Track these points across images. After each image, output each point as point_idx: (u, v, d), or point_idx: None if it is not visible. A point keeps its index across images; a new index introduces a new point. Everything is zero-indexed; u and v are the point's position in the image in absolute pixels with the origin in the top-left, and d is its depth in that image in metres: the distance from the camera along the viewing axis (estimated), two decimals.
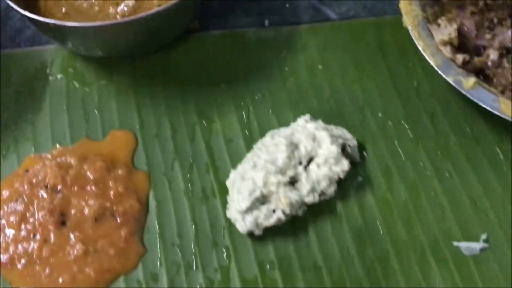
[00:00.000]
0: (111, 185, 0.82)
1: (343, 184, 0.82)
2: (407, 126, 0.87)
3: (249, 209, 0.77)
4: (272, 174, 0.78)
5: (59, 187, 0.81)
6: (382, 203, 0.81)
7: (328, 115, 0.88)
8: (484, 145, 0.85)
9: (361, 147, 0.85)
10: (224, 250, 0.78)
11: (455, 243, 0.77)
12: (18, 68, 0.96)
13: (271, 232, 0.79)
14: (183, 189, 0.83)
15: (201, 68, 0.95)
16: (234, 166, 0.84)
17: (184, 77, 0.95)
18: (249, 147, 0.85)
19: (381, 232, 0.79)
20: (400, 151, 0.85)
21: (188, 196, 0.82)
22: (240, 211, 0.77)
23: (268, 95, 0.91)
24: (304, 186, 0.79)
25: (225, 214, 0.80)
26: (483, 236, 0.78)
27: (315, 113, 0.87)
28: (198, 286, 0.76)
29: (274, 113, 0.89)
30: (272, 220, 0.76)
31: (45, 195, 0.80)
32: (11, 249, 0.77)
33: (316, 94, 0.91)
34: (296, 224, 0.80)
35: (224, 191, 0.82)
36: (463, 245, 0.77)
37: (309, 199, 0.78)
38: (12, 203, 0.80)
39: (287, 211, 0.77)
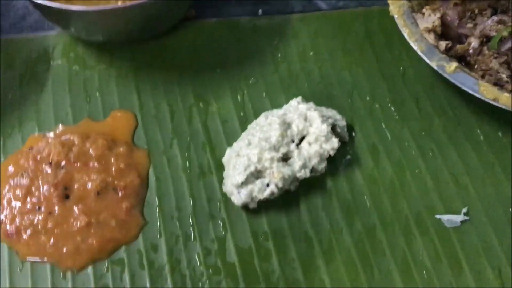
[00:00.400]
0: (112, 161, 0.86)
1: (333, 162, 0.87)
2: (393, 109, 0.92)
3: (244, 183, 0.81)
4: (266, 150, 0.82)
5: (62, 163, 0.85)
6: (369, 179, 0.86)
7: (318, 98, 0.92)
8: (466, 127, 0.90)
9: (350, 127, 0.90)
10: (220, 222, 0.82)
11: (438, 216, 0.82)
12: (21, 53, 1.00)
13: (264, 206, 0.83)
14: (181, 166, 0.87)
15: (197, 54, 0.99)
16: (229, 144, 0.88)
17: (181, 62, 0.99)
18: (244, 127, 0.90)
19: (368, 206, 0.83)
20: (387, 132, 0.90)
21: (186, 172, 0.87)
22: (235, 185, 0.81)
23: (262, 79, 0.96)
24: (296, 162, 0.83)
25: (221, 189, 0.85)
26: (464, 210, 0.83)
27: (306, 96, 0.92)
28: (196, 256, 0.79)
29: (267, 96, 0.94)
30: (265, 194, 0.81)
31: (49, 171, 0.84)
32: (17, 220, 0.81)
33: (307, 79, 0.96)
34: (288, 198, 0.84)
35: (220, 168, 0.87)
36: (445, 217, 0.82)
37: (301, 174, 0.83)
38: (18, 178, 0.84)
39: (280, 185, 0.81)
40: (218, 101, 0.93)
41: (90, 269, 0.78)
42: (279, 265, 0.78)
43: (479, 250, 0.80)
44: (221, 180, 0.85)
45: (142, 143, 0.89)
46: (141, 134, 0.90)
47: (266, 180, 0.81)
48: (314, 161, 0.84)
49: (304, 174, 0.83)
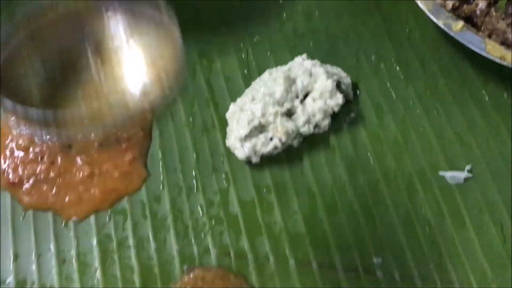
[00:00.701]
0: None
1: (337, 119, 0.86)
2: (398, 69, 0.92)
3: (248, 137, 0.81)
4: (270, 105, 0.82)
5: None
6: (373, 137, 0.85)
7: (324, 56, 0.92)
8: (471, 87, 0.90)
9: (354, 86, 0.89)
10: (223, 175, 0.82)
11: (441, 173, 0.82)
12: None
13: (268, 161, 0.83)
14: (185, 121, 0.87)
15: (201, 12, 0.98)
16: (233, 100, 0.88)
17: (185, 20, 0.97)
18: (247, 85, 0.89)
19: (372, 163, 0.83)
20: (391, 91, 0.89)
21: (189, 127, 0.86)
22: (239, 139, 0.81)
23: (266, 38, 0.95)
24: (300, 117, 0.83)
25: (224, 143, 0.84)
26: (468, 167, 0.82)
27: (311, 54, 0.91)
28: (198, 207, 0.79)
29: (272, 54, 0.93)
30: (269, 147, 0.81)
31: None
32: (19, 169, 0.81)
33: (313, 38, 0.95)
34: (292, 154, 0.84)
35: (223, 124, 0.86)
36: (448, 174, 0.82)
37: (305, 129, 0.82)
38: (20, 127, 0.83)
39: (284, 139, 0.81)
40: (221, 59, 0.93)
41: (92, 219, 0.78)
42: (282, 217, 0.78)
43: (481, 207, 0.79)
44: (224, 135, 0.85)
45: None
46: None
47: (269, 134, 0.81)
48: (318, 117, 0.83)
49: (307, 129, 0.82)
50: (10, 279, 0.73)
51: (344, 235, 0.77)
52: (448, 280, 0.74)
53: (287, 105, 0.83)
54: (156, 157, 0.83)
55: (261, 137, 0.81)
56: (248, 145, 0.80)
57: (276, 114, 0.81)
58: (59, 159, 0.81)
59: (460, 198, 0.80)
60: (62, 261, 0.75)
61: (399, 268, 0.75)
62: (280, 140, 0.81)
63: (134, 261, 0.75)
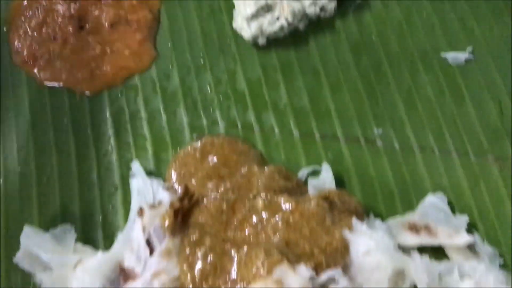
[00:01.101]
0: None
1: (343, 4, 0.88)
2: None
3: (255, 16, 0.83)
4: None
5: None
6: (378, 21, 0.87)
7: None
8: None
9: None
10: (230, 56, 0.84)
11: (443, 54, 0.84)
12: None
13: (274, 43, 0.85)
14: (193, 6, 0.88)
15: None
16: None
17: None
18: None
19: (376, 45, 0.85)
20: None
21: (197, 11, 0.88)
22: (246, 18, 0.83)
23: None
24: None
25: (231, 26, 0.86)
26: (469, 49, 0.84)
27: None
28: (207, 84, 0.82)
29: None
30: (275, 27, 0.83)
31: (63, 5, 0.85)
32: (33, 48, 0.83)
33: None
34: (298, 37, 0.86)
35: (230, 8, 0.88)
36: (450, 55, 0.84)
37: (311, 10, 0.84)
38: (33, 10, 0.86)
39: (290, 19, 0.83)
40: None
41: (105, 94, 0.81)
42: (287, 93, 0.81)
43: (481, 85, 0.82)
44: (231, 19, 0.87)
45: None
46: None
47: (276, 14, 0.83)
48: None
49: (313, 10, 0.84)
50: (30, 145, 0.77)
51: (347, 109, 0.80)
52: (446, 149, 0.77)
53: None
54: (165, 39, 0.86)
55: (268, 16, 0.83)
56: (254, 24, 0.82)
57: None
58: (71, 38, 0.83)
59: (461, 77, 0.83)
60: (77, 130, 0.78)
61: (399, 138, 0.78)
62: (286, 20, 0.83)
63: (146, 131, 0.78)
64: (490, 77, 0.82)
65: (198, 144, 0.76)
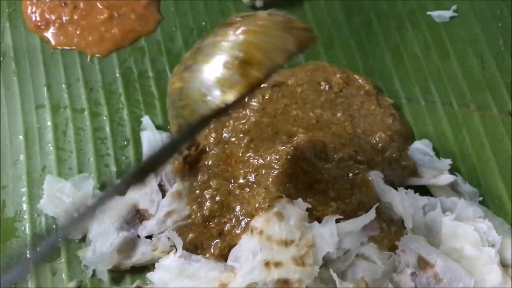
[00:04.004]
0: None
1: None
2: None
3: None
4: None
5: None
6: None
7: None
8: None
9: None
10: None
11: (429, 13, 0.90)
12: None
13: (271, 6, 0.89)
14: None
15: None
16: None
17: None
18: None
19: (366, 5, 0.91)
20: None
21: None
22: None
23: None
24: None
25: None
26: (454, 7, 0.90)
27: None
28: None
29: None
30: None
31: None
32: (45, 14, 0.89)
33: None
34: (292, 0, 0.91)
35: None
36: (435, 13, 0.90)
37: None
38: None
39: None
40: None
41: (114, 55, 0.87)
42: None
43: (465, 41, 0.88)
44: None
45: None
46: None
47: None
48: None
49: None
50: (46, 104, 0.83)
51: (339, 64, 0.86)
52: (431, 100, 0.84)
53: None
54: (168, 2, 0.91)
55: None
56: None
57: None
58: (81, 4, 0.89)
59: (446, 34, 0.89)
60: (90, 89, 0.84)
61: (387, 92, 0.84)
62: None
63: (154, 89, 0.85)
64: (473, 33, 0.88)
65: None
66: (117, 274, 0.71)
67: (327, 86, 0.82)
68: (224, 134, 0.77)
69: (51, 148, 0.80)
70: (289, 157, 0.71)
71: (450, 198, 0.73)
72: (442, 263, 0.66)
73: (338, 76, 0.83)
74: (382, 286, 0.66)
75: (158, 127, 0.81)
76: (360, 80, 0.84)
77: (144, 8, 0.90)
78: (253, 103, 0.81)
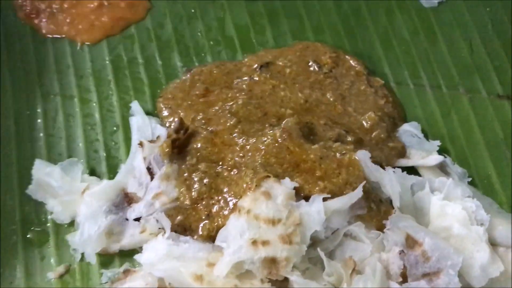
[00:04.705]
0: None
1: None
2: None
3: None
4: None
5: None
6: None
7: None
8: None
9: None
10: (219, 5, 0.91)
11: None
12: None
13: None
14: None
15: None
16: None
17: None
18: None
19: None
20: None
21: None
22: None
23: None
24: None
25: None
26: None
27: None
28: (198, 32, 0.88)
29: None
30: None
31: None
32: (36, 3, 0.89)
33: None
34: None
35: None
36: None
37: None
38: None
39: None
40: None
41: (104, 43, 0.87)
42: (273, 37, 0.87)
43: (453, 25, 0.88)
44: None
45: None
46: None
47: None
48: None
49: None
50: (37, 91, 0.83)
51: None
52: (420, 83, 0.84)
53: None
54: None
55: None
56: None
57: None
58: None
59: (434, 18, 0.89)
60: (80, 76, 0.85)
61: (376, 75, 0.84)
62: None
63: (143, 75, 0.85)
64: (461, 17, 0.89)
65: (188, 75, 0.82)
66: (106, 257, 0.71)
67: (316, 66, 0.82)
68: (212, 116, 0.77)
69: (41, 134, 0.80)
70: (276, 138, 0.71)
71: (438, 178, 0.73)
72: (430, 241, 0.66)
73: (328, 55, 0.83)
74: (371, 265, 0.65)
75: (147, 113, 0.81)
76: (350, 61, 0.83)
77: None
78: (241, 85, 0.80)
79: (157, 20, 0.89)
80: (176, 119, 0.76)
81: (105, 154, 0.78)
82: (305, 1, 0.90)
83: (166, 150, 0.72)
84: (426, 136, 0.79)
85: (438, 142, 0.77)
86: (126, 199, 0.72)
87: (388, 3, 0.90)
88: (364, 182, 0.67)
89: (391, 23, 0.88)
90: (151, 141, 0.76)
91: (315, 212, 0.65)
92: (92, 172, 0.78)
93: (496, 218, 0.71)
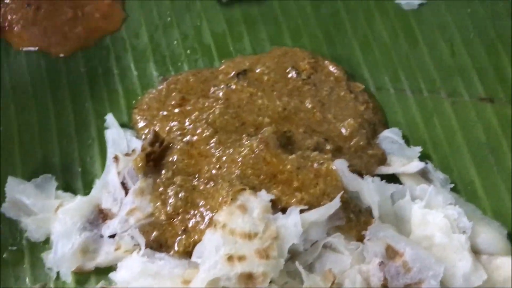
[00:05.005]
0: None
1: None
2: None
3: None
4: None
5: None
6: None
7: None
8: None
9: None
10: (196, 13, 0.89)
11: (397, 1, 0.89)
12: None
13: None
14: None
15: None
16: None
17: None
18: None
19: None
20: None
21: None
22: None
23: None
24: None
25: None
26: None
27: None
28: (174, 40, 0.87)
29: None
30: None
31: None
32: (8, 16, 0.88)
33: None
34: None
35: None
36: (404, 1, 0.89)
37: None
38: None
39: None
40: None
41: (79, 54, 0.86)
42: (251, 43, 0.86)
43: (434, 28, 0.87)
44: None
45: None
46: None
47: None
48: None
49: None
50: (11, 106, 0.82)
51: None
52: (400, 88, 0.82)
53: None
54: (133, 1, 0.90)
55: None
56: None
57: None
58: (44, 4, 0.88)
59: (414, 21, 0.88)
60: (55, 89, 0.83)
61: (357, 80, 0.83)
62: None
63: (119, 86, 0.83)
64: (442, 20, 0.87)
65: (164, 84, 0.81)
66: (81, 276, 0.70)
67: (295, 73, 0.81)
68: (188, 127, 0.75)
69: (16, 149, 0.78)
70: (253, 149, 0.69)
71: (419, 185, 0.71)
72: (411, 252, 0.64)
73: (306, 61, 0.81)
74: (350, 277, 0.64)
75: (123, 125, 0.79)
76: (329, 66, 0.82)
77: (109, 6, 0.89)
78: (218, 93, 0.79)
79: (132, 29, 0.88)
80: (151, 131, 0.74)
81: (80, 169, 0.77)
82: (282, 6, 0.89)
83: (140, 165, 0.70)
84: (408, 142, 0.78)
85: (419, 148, 0.75)
86: (101, 215, 0.71)
87: (367, 6, 0.88)
88: (342, 192, 0.66)
89: (371, 26, 0.87)
90: (127, 154, 0.74)
91: (292, 224, 0.63)
92: (68, 187, 0.76)
93: (479, 225, 0.70)
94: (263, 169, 0.69)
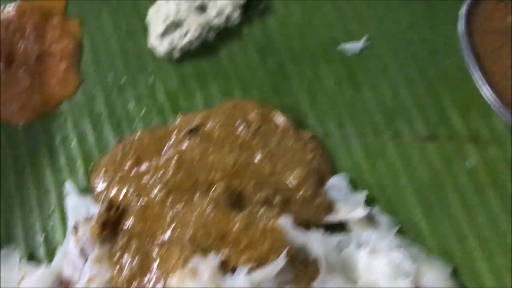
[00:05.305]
0: (48, 30, 0.95)
1: (247, 12, 0.96)
2: None
3: (165, 34, 0.91)
4: (182, 2, 0.91)
5: (2, 37, 0.94)
6: (281, 23, 0.95)
7: None
8: None
9: None
10: (149, 72, 0.93)
11: (340, 47, 0.92)
12: None
13: (187, 55, 0.93)
14: (111, 30, 0.96)
15: None
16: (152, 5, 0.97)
17: None
18: None
19: (279, 46, 0.93)
20: None
21: (115, 35, 0.96)
22: (157, 36, 0.91)
23: None
24: (212, 11, 0.92)
25: (147, 46, 0.94)
26: (365, 38, 0.92)
27: None
28: (129, 101, 0.90)
29: None
30: (185, 40, 0.91)
31: None
32: None
33: None
34: (208, 47, 0.94)
35: (144, 29, 0.96)
36: (347, 46, 0.92)
37: (216, 21, 0.92)
38: None
39: (198, 32, 0.91)
40: None
41: (37, 122, 0.89)
42: (203, 98, 0.90)
43: (376, 71, 0.90)
44: (147, 39, 0.94)
45: (74, 14, 0.98)
46: (73, 5, 0.98)
47: (184, 29, 0.91)
48: (229, 9, 0.93)
49: (218, 21, 0.92)
50: None
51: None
52: (346, 134, 0.86)
53: (198, 2, 0.92)
54: (88, 63, 0.94)
55: (177, 32, 0.91)
56: (166, 41, 0.91)
57: (189, 10, 0.91)
58: (1, 75, 0.91)
59: (357, 66, 0.91)
60: (15, 159, 0.86)
61: (305, 128, 0.86)
62: (194, 33, 0.91)
63: (77, 152, 0.87)
64: (384, 62, 0.91)
65: (119, 146, 0.84)
66: None
67: (244, 126, 0.84)
68: (144, 188, 0.79)
69: None
70: (203, 210, 0.73)
71: (364, 231, 0.75)
72: None
73: (255, 112, 0.85)
74: None
75: (83, 190, 0.82)
76: (277, 116, 0.85)
77: (65, 72, 0.92)
78: (171, 152, 0.82)
79: (88, 94, 0.91)
80: (106, 199, 0.78)
81: (42, 239, 0.80)
82: (231, 60, 0.92)
83: (96, 233, 0.73)
84: (356, 187, 0.81)
85: (364, 194, 0.79)
86: (63, 285, 0.74)
87: (312, 55, 0.92)
88: (288, 248, 0.69)
89: (316, 74, 0.90)
90: (86, 219, 0.77)
91: (241, 285, 0.66)
92: (32, 257, 0.79)
93: (424, 265, 0.73)
94: (214, 229, 0.72)
